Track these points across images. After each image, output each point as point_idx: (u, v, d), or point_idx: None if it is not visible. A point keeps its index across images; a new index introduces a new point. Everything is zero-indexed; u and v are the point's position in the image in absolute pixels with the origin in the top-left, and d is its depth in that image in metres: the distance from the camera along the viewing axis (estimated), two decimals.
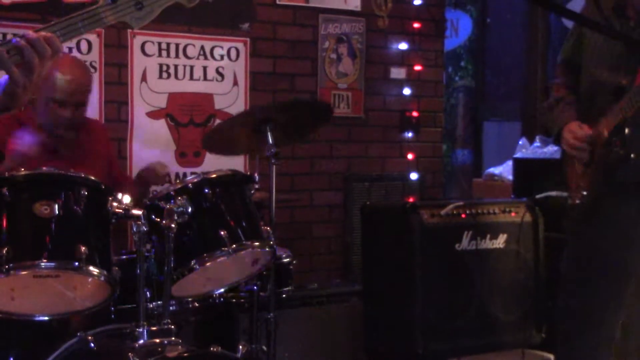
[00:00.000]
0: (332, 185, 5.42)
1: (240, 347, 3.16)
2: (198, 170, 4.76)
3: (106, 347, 2.88)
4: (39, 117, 3.62)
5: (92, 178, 2.78)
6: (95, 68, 4.50)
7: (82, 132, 3.79)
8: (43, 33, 1.88)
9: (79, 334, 2.87)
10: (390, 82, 5.59)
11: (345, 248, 5.42)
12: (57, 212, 2.65)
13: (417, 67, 5.64)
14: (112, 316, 3.09)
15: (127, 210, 2.77)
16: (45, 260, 2.63)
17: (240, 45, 4.97)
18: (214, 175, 3.06)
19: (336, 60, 5.33)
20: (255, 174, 3.25)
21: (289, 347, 4.03)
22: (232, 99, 4.95)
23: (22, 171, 2.74)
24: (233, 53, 4.94)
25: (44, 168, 2.81)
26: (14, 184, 2.68)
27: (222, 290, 3.32)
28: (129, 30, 4.60)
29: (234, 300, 3.58)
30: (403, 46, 5.59)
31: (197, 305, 3.33)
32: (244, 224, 3.06)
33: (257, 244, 3.07)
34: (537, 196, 4.51)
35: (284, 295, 3.77)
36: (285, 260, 3.77)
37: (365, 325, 4.38)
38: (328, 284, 4.73)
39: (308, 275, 5.01)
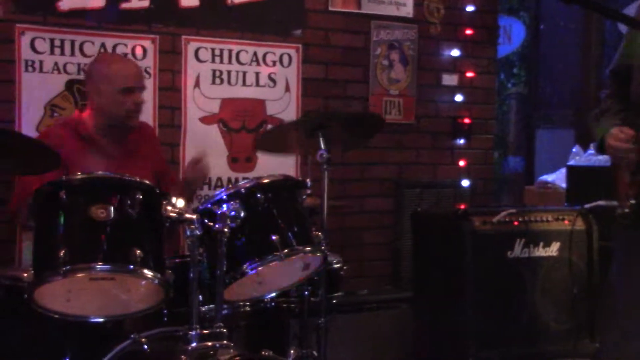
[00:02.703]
0: (383, 191, 5.41)
1: (291, 352, 3.17)
2: (249, 175, 4.80)
3: (159, 350, 2.91)
4: (104, 118, 3.71)
5: (147, 182, 2.82)
6: (149, 74, 4.55)
7: (133, 136, 3.86)
8: None
9: (132, 335, 2.90)
10: (442, 88, 5.58)
11: (395, 254, 5.41)
12: (112, 216, 2.69)
13: (469, 74, 5.62)
14: (165, 319, 3.11)
15: (180, 214, 2.80)
16: (100, 263, 2.67)
17: (292, 52, 5.00)
18: (266, 180, 3.08)
19: (388, 67, 5.33)
20: (307, 180, 3.26)
21: (339, 352, 4.04)
22: (284, 105, 4.98)
23: (79, 175, 2.79)
24: (285, 59, 4.97)
25: (100, 172, 2.86)
26: (71, 188, 2.73)
27: (273, 294, 3.33)
28: (183, 37, 4.66)
29: (284, 305, 3.58)
30: (455, 53, 5.57)
31: (248, 309, 3.35)
32: (295, 229, 3.07)
33: (308, 249, 3.08)
34: (587, 205, 4.46)
35: (334, 301, 3.76)
36: (336, 266, 3.78)
37: (415, 332, 4.36)
38: (378, 290, 4.73)
39: (358, 281, 5.01)
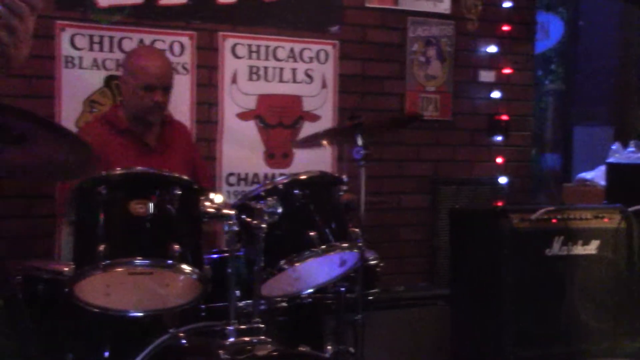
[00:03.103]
0: (420, 188, 5.39)
1: (328, 348, 3.17)
2: (286, 171, 4.80)
3: (197, 344, 2.92)
4: (128, 109, 3.74)
5: (185, 177, 2.83)
6: (187, 70, 4.58)
7: (169, 128, 3.89)
8: None
9: (170, 330, 2.92)
10: (479, 85, 5.55)
11: (432, 251, 5.39)
12: (151, 211, 2.71)
13: (507, 71, 5.58)
14: (202, 314, 3.13)
15: (218, 209, 2.81)
16: (139, 258, 2.69)
17: (329, 48, 4.99)
18: (303, 176, 3.08)
19: (424, 63, 5.30)
20: (344, 176, 3.26)
21: (375, 349, 4.02)
22: (320, 101, 4.98)
23: (119, 170, 2.82)
24: (322, 55, 4.97)
25: (139, 168, 2.88)
26: (111, 183, 2.75)
27: (310, 290, 3.33)
28: (220, 33, 4.67)
29: (321, 301, 3.59)
30: (492, 49, 5.53)
31: (285, 305, 3.35)
32: (332, 225, 3.07)
33: (345, 245, 3.07)
34: (631, 209, 4.39)
35: (370, 298, 3.76)
36: (372, 262, 3.77)
37: (452, 330, 4.34)
38: (414, 287, 4.71)
39: (394, 278, 4.99)
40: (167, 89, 3.78)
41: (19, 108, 2.48)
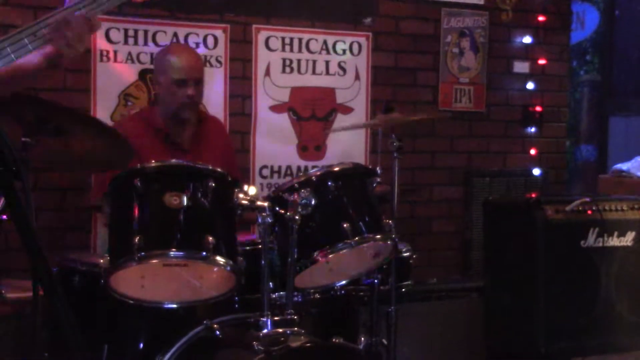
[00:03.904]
0: (453, 180, 5.38)
1: (361, 339, 3.17)
2: (319, 163, 4.80)
3: (231, 336, 2.94)
4: (163, 110, 3.76)
5: (219, 170, 2.85)
6: (220, 63, 4.59)
7: (202, 125, 3.90)
8: (83, 12, 2.06)
9: (204, 322, 2.94)
10: (513, 76, 5.51)
11: (465, 244, 5.37)
12: (185, 203, 2.73)
13: (541, 61, 5.54)
14: (236, 305, 3.14)
15: (252, 201, 2.82)
16: (174, 250, 2.72)
17: (362, 40, 4.99)
18: (337, 168, 3.08)
19: (458, 55, 5.28)
20: (378, 168, 3.26)
21: (408, 341, 4.03)
22: (353, 94, 4.97)
23: (153, 163, 2.84)
24: (355, 47, 4.96)
25: (174, 160, 2.90)
26: (146, 176, 2.78)
27: (343, 282, 3.33)
28: (254, 26, 4.68)
29: (354, 293, 3.59)
30: (527, 40, 5.49)
31: (318, 296, 3.36)
32: (366, 217, 3.07)
33: (379, 237, 3.08)
34: None
35: (403, 290, 3.76)
36: (405, 254, 3.77)
37: (486, 322, 4.33)
38: (447, 280, 4.71)
39: (426, 270, 4.98)
40: (198, 82, 3.77)
41: (55, 102, 2.53)
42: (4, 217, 2.57)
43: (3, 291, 2.80)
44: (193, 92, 3.72)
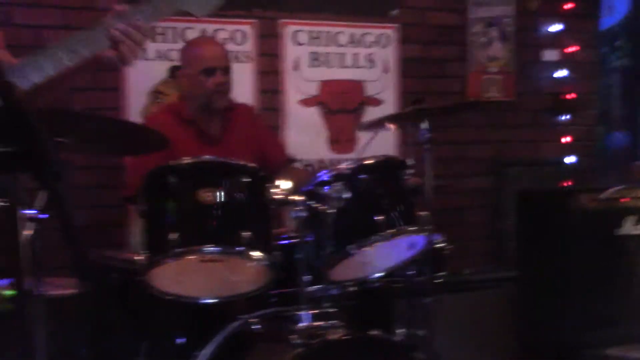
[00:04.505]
0: (483, 170, 5.36)
1: (400, 331, 3.17)
2: (350, 156, 4.81)
3: (268, 330, 2.95)
4: (192, 100, 3.77)
5: (252, 165, 2.85)
6: (249, 58, 4.61)
7: (231, 114, 3.90)
8: (135, 23, 2.10)
9: (242, 316, 2.96)
10: (542, 64, 5.49)
11: (497, 233, 5.35)
12: (220, 199, 2.74)
13: (571, 49, 5.50)
14: (273, 300, 3.15)
15: (286, 196, 2.83)
16: (210, 246, 2.72)
17: (390, 32, 4.98)
18: (369, 161, 3.08)
19: (486, 44, 5.26)
20: (409, 160, 3.25)
21: (444, 332, 4.01)
22: (382, 86, 4.97)
23: (187, 160, 2.85)
24: (383, 40, 4.96)
25: (207, 156, 2.91)
26: (179, 172, 2.79)
27: (378, 274, 3.33)
28: (282, 20, 4.69)
29: (390, 285, 3.59)
30: (555, 27, 5.46)
31: (354, 289, 3.36)
32: (399, 209, 3.06)
33: (413, 229, 3.07)
34: None
35: (438, 281, 3.75)
36: (439, 245, 3.76)
37: (520, 312, 4.31)
38: (482, 270, 4.69)
39: (459, 261, 4.96)
40: (226, 69, 3.76)
41: (84, 112, 2.56)
42: (45, 215, 2.59)
43: (44, 289, 2.83)
44: (222, 80, 3.73)
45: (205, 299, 2.96)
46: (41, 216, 2.59)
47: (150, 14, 2.16)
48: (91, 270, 1.40)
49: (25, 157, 1.33)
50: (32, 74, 1.91)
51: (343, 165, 3.12)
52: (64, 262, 3.70)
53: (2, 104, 1.32)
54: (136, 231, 4.11)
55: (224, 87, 3.76)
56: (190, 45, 3.92)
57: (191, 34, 4.44)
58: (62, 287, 3.34)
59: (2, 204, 1.42)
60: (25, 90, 1.86)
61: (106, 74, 4.30)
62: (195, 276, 2.88)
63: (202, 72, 3.69)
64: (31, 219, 1.40)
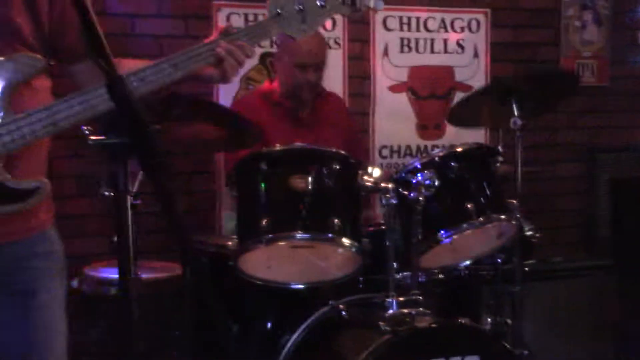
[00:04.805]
0: (576, 156, 5.27)
1: (487, 320, 3.16)
2: (439, 142, 4.80)
3: (356, 316, 2.97)
4: (283, 86, 3.82)
5: (343, 152, 2.87)
6: (339, 44, 4.62)
7: (323, 102, 3.94)
8: (239, 42, 2.18)
9: (330, 302, 2.99)
10: (638, 48, 5.34)
11: (589, 221, 5.26)
12: (311, 186, 2.77)
13: None
14: (361, 286, 3.17)
15: (376, 183, 2.84)
16: (300, 232, 2.76)
17: (480, 17, 4.93)
18: (460, 149, 3.06)
19: (580, 28, 5.16)
20: (500, 147, 3.23)
21: (533, 320, 3.97)
22: (472, 71, 4.93)
23: (278, 146, 2.89)
24: (474, 24, 4.91)
25: (298, 143, 2.94)
26: (271, 159, 2.83)
27: (467, 262, 3.33)
28: None
29: (478, 272, 3.57)
30: None
31: (441, 276, 3.36)
32: (490, 197, 3.05)
33: (503, 217, 3.05)
34: None
35: (526, 269, 3.71)
36: (528, 233, 3.72)
37: (614, 301, 4.23)
38: (573, 258, 4.62)
39: (549, 248, 4.91)
40: (320, 67, 3.82)
41: (178, 91, 2.62)
42: (139, 201, 2.67)
43: (139, 272, 2.92)
44: (313, 78, 3.77)
45: (294, 285, 3.01)
46: (135, 202, 2.68)
47: (255, 35, 2.22)
48: (195, 256, 1.45)
49: (134, 148, 1.39)
50: (135, 86, 1.97)
51: (433, 153, 3.12)
52: (153, 246, 3.81)
53: (113, 97, 1.38)
54: (226, 217, 4.20)
55: (314, 84, 3.80)
56: None
57: None
58: (156, 271, 3.43)
59: (110, 193, 1.47)
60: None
61: None
62: (285, 262, 2.92)
63: (296, 64, 3.74)
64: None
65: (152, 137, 1.35)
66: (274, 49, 4.32)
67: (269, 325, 3.22)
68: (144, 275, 3.16)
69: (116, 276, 2.69)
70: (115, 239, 2.65)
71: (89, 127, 1.46)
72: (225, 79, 2.21)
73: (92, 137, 1.42)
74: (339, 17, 4.61)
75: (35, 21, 2.01)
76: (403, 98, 4.82)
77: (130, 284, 1.42)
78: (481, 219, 2.97)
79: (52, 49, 2.04)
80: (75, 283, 3.41)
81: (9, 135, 1.87)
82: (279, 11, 2.21)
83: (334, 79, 4.57)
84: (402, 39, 4.77)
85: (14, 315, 2.04)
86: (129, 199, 1.47)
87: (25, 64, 1.94)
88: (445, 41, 4.85)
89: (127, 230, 1.42)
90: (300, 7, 2.22)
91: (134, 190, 2.66)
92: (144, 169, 1.38)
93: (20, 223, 2.02)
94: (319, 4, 2.24)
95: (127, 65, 2.04)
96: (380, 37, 4.73)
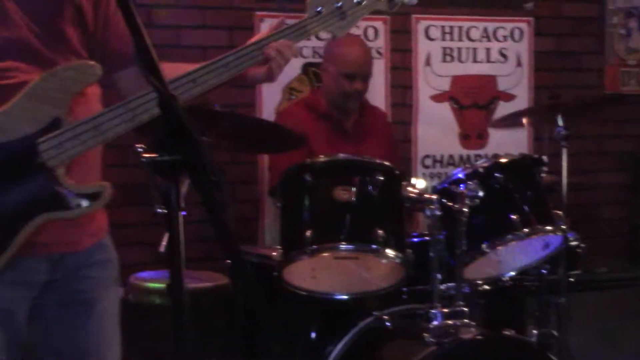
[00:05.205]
0: (620, 165, 5.21)
1: (534, 331, 3.14)
2: (481, 152, 4.77)
3: (401, 327, 2.97)
4: (328, 97, 3.83)
5: (387, 163, 2.88)
6: (381, 54, 4.62)
7: (366, 114, 3.95)
8: (286, 41, 2.19)
9: (374, 313, 2.99)
10: None
11: (634, 230, 5.20)
12: (355, 197, 2.77)
13: None
14: (404, 297, 3.17)
15: (420, 194, 2.84)
16: (344, 243, 2.77)
17: (523, 25, 4.90)
18: (504, 160, 3.06)
19: (625, 36, 5.10)
20: (544, 157, 3.21)
21: (578, 331, 3.94)
22: (515, 80, 4.90)
23: (322, 158, 2.90)
24: (517, 33, 4.88)
25: (342, 154, 2.95)
26: (315, 170, 2.84)
27: (511, 273, 3.30)
28: (414, 16, 4.68)
29: (522, 283, 3.55)
30: None
31: (486, 287, 3.34)
32: (535, 208, 3.03)
33: (548, 228, 3.03)
34: None
35: (572, 279, 3.68)
36: (573, 243, 3.69)
37: None
38: (618, 268, 4.57)
39: (593, 258, 4.85)
40: (366, 77, 3.84)
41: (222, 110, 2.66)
42: (184, 212, 2.69)
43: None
44: (360, 88, 3.79)
45: (338, 295, 3.01)
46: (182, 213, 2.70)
47: (300, 33, 2.23)
48: (245, 270, 1.46)
49: (187, 166, 1.40)
50: (182, 90, 2.00)
51: (478, 164, 3.11)
52: (196, 255, 3.83)
53: (166, 115, 1.39)
54: (269, 227, 4.22)
55: (360, 94, 3.82)
56: (337, 43, 3.92)
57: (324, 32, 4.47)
58: (199, 280, 3.45)
59: (163, 210, 1.49)
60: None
61: None
62: (329, 272, 2.93)
63: (342, 75, 3.75)
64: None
65: (204, 154, 1.36)
66: (317, 59, 4.33)
67: (312, 335, 3.22)
68: (189, 285, 3.18)
69: (161, 285, 2.72)
70: (161, 249, 2.68)
71: (141, 145, 1.47)
72: (271, 77, 2.22)
73: (145, 155, 1.44)
74: (381, 29, 4.61)
75: (83, 30, 2.05)
76: (445, 107, 4.81)
77: (183, 301, 1.43)
78: (526, 230, 2.96)
79: (97, 57, 2.06)
80: (120, 292, 3.43)
81: (70, 142, 1.90)
82: (319, 9, 2.21)
83: (376, 88, 4.57)
84: (444, 49, 4.76)
85: (72, 325, 2.06)
86: (181, 215, 1.48)
87: (83, 72, 1.97)
88: (487, 50, 4.83)
89: (178, 246, 1.44)
90: (339, 4, 2.22)
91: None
92: (196, 185, 1.39)
93: (80, 232, 2.04)
94: (356, 0, 2.25)
95: (177, 69, 2.07)
96: (423, 47, 4.73)
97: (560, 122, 3.36)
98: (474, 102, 4.85)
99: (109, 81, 2.18)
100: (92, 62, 1.98)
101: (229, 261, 1.45)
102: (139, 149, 1.46)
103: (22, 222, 1.90)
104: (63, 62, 1.97)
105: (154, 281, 3.39)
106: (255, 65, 2.18)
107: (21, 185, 1.89)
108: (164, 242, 2.81)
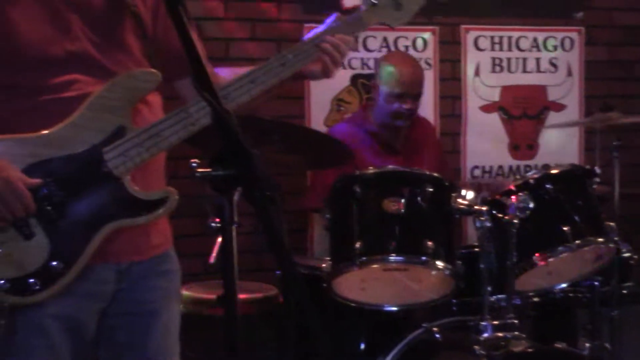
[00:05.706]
0: None
1: (586, 344, 3.10)
2: (531, 163, 4.74)
3: (451, 339, 2.96)
4: (377, 116, 3.83)
5: (436, 175, 2.88)
6: (430, 65, 4.61)
7: (415, 128, 3.95)
8: (342, 36, 2.17)
9: (424, 324, 2.98)
10: None
11: None
12: (404, 208, 2.78)
13: None
14: (454, 308, 3.16)
15: (470, 205, 2.83)
16: (394, 255, 2.77)
17: (574, 35, 4.86)
18: (555, 171, 3.04)
19: None
20: (596, 167, 3.18)
21: (631, 344, 3.89)
22: (566, 90, 4.85)
23: (372, 169, 2.91)
24: (567, 43, 4.84)
25: (391, 166, 2.96)
26: (364, 182, 2.85)
27: (562, 285, 3.28)
28: (462, 26, 4.67)
29: (573, 295, 3.51)
30: None
31: (536, 299, 3.32)
32: (587, 219, 3.01)
33: (600, 240, 3.00)
34: None
35: (625, 291, 3.63)
36: (625, 254, 3.64)
37: None
38: None
39: None
40: (417, 96, 3.83)
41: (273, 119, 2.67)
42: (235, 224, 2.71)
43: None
44: (411, 107, 3.78)
45: (387, 307, 3.01)
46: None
47: (354, 26, 2.22)
48: (298, 283, 1.48)
49: (241, 180, 1.42)
50: (242, 91, 2.01)
51: (528, 175, 3.10)
52: (246, 267, 3.85)
53: (220, 129, 1.41)
54: (318, 238, 4.22)
55: (411, 113, 3.81)
56: (388, 60, 3.92)
57: (372, 43, 4.49)
58: (247, 291, 3.47)
59: (217, 224, 1.51)
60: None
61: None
62: (378, 284, 2.94)
63: (393, 94, 3.74)
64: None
65: (258, 168, 1.38)
66: (365, 70, 4.34)
67: (362, 347, 3.23)
68: (240, 296, 3.20)
69: (211, 296, 2.73)
70: (210, 260, 2.70)
71: (196, 160, 1.49)
72: (327, 73, 2.21)
73: (199, 170, 1.46)
74: (430, 39, 4.60)
75: (142, 39, 2.07)
76: (495, 118, 4.78)
77: (235, 312, 1.45)
78: (578, 242, 2.94)
79: (158, 65, 2.09)
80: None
81: (134, 149, 1.93)
82: (375, 1, 2.21)
83: (426, 99, 4.53)
84: (493, 59, 4.74)
85: (137, 336, 2.07)
86: (234, 229, 1.50)
87: (143, 79, 2.00)
88: (537, 60, 4.80)
89: (231, 259, 1.46)
90: None
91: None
92: (250, 199, 1.41)
93: (147, 241, 2.06)
94: None
95: (233, 72, 2.08)
96: (472, 57, 4.71)
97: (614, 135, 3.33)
98: (523, 112, 4.82)
99: (172, 91, 2.21)
100: (152, 70, 2.01)
101: (281, 273, 1.46)
102: (194, 164, 1.48)
103: (94, 231, 1.92)
104: (124, 70, 2.00)
105: (203, 292, 3.42)
106: (313, 63, 2.17)
107: (90, 194, 1.92)
108: (214, 254, 2.83)
